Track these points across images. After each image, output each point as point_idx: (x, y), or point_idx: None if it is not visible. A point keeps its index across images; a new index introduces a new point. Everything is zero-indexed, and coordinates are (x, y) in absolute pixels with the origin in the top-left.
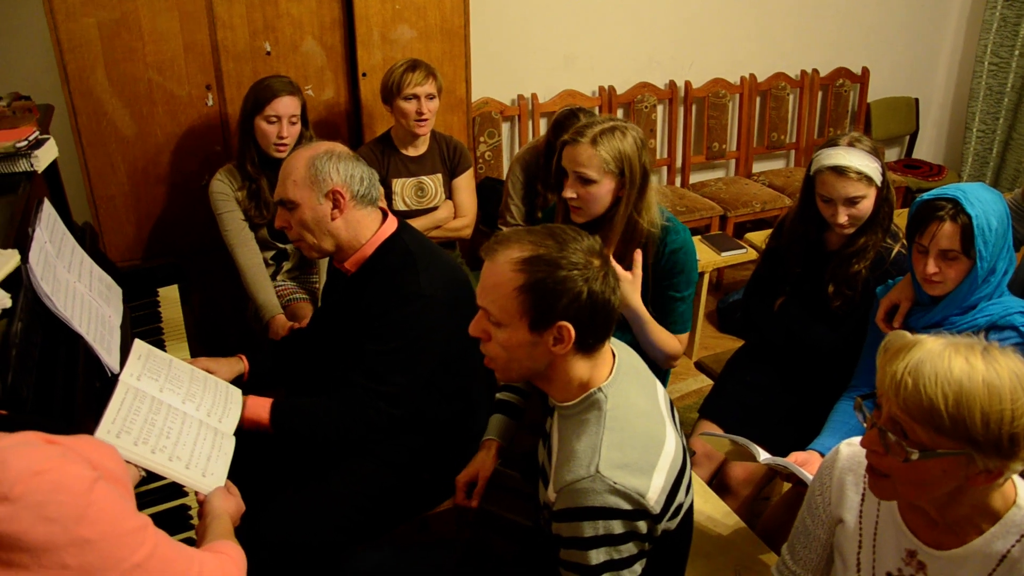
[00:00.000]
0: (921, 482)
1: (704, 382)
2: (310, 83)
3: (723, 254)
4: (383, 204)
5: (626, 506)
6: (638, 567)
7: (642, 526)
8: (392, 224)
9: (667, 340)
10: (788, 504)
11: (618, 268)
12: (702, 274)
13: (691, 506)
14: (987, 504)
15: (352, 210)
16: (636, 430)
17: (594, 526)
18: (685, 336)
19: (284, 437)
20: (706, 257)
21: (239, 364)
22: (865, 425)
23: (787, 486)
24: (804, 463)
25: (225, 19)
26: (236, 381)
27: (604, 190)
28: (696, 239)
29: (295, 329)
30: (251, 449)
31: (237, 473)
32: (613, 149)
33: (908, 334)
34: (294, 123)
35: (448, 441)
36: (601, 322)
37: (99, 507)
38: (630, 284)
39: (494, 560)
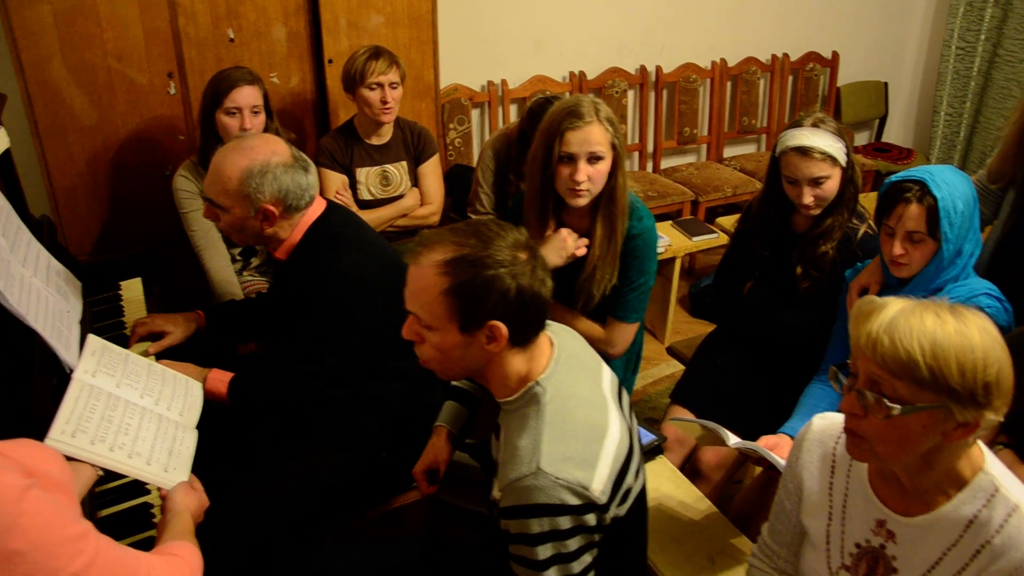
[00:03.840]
0: (901, 440)
1: (677, 367)
2: (275, 71)
3: (694, 239)
4: (344, 195)
5: (572, 500)
6: (588, 557)
7: (590, 519)
8: (319, 206)
9: (581, 326)
10: (759, 488)
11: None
12: (673, 259)
13: (643, 489)
14: (956, 470)
15: (282, 219)
16: (577, 421)
17: (540, 523)
18: (628, 326)
19: (239, 408)
20: (677, 242)
21: (195, 319)
22: (841, 392)
23: (759, 470)
24: (774, 447)
25: (186, 5)
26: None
27: (608, 164)
28: (667, 224)
29: (257, 294)
30: (210, 445)
31: (201, 466)
32: (611, 120)
33: (877, 298)
34: (256, 113)
35: (402, 420)
36: (533, 316)
37: (31, 517)
38: (553, 254)
39: (457, 551)
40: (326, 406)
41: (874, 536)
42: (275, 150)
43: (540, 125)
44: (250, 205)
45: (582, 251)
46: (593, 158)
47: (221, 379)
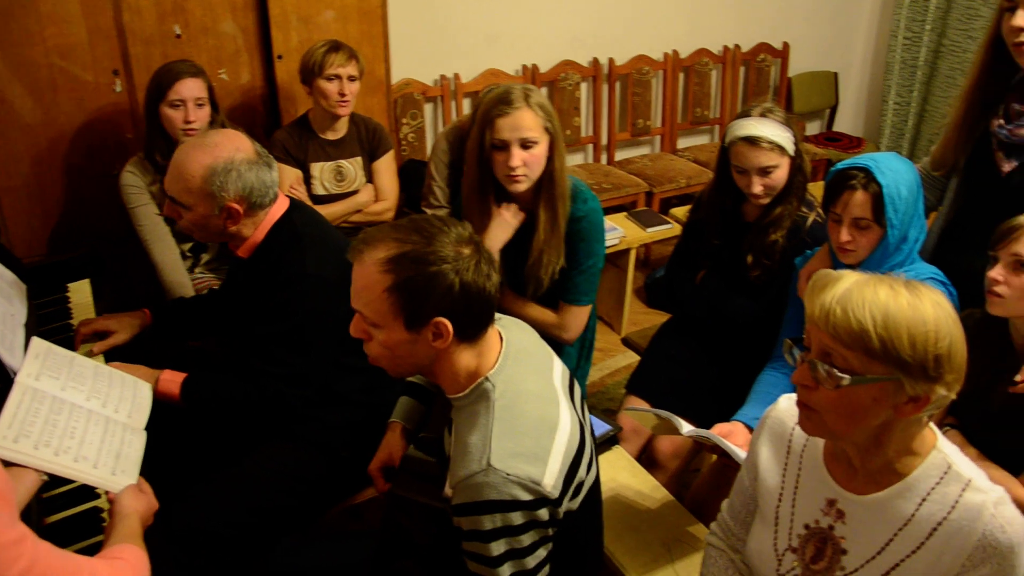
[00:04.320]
0: (852, 413)
1: (633, 358)
2: (224, 67)
3: (649, 230)
4: (297, 189)
5: (524, 496)
6: (542, 551)
7: (543, 513)
8: (282, 205)
9: (532, 312)
10: (715, 476)
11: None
12: (627, 251)
13: (596, 482)
14: (909, 450)
15: (246, 217)
16: (527, 415)
17: (492, 519)
18: (579, 309)
19: (193, 409)
20: (632, 233)
21: (141, 318)
22: (795, 366)
23: (714, 457)
24: (728, 434)
25: (130, 1)
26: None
27: (544, 149)
28: (622, 216)
29: (209, 290)
30: (168, 440)
31: (154, 466)
32: (542, 106)
33: (832, 271)
34: (201, 105)
35: (362, 417)
36: (478, 311)
37: None
38: (500, 230)
39: (412, 545)
40: (288, 406)
41: (823, 516)
42: (239, 146)
43: (475, 116)
44: (214, 203)
45: (521, 215)
46: (526, 143)
47: (174, 380)
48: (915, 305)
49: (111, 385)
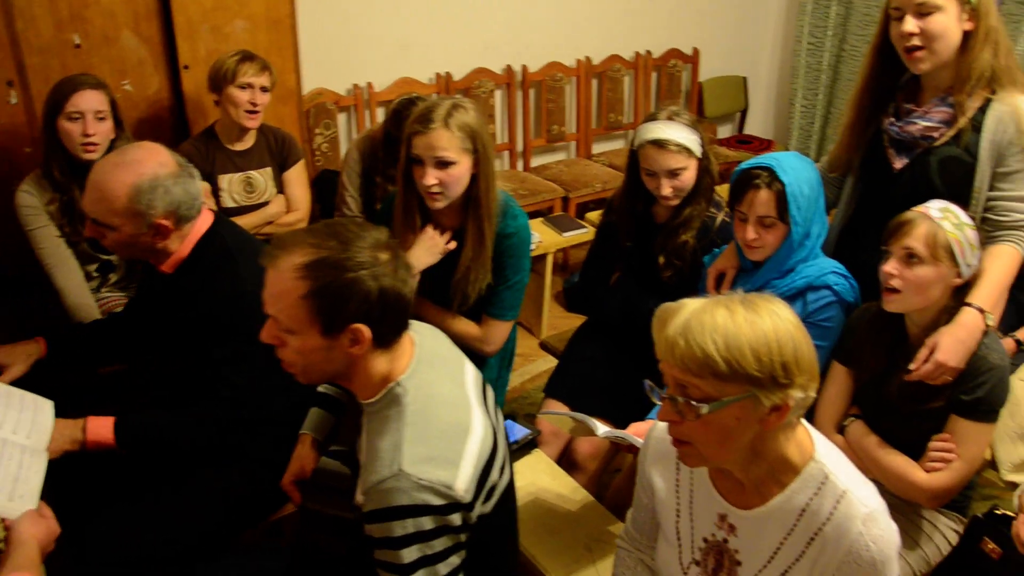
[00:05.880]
0: (720, 437)
1: (553, 362)
2: (128, 78)
3: (565, 234)
4: (208, 202)
5: (435, 501)
6: (455, 558)
7: (455, 519)
8: (207, 219)
9: (456, 326)
10: (632, 475)
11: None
12: (544, 256)
13: (510, 484)
14: (786, 458)
15: (175, 231)
16: (439, 420)
17: (403, 525)
18: (503, 323)
19: (133, 453)
20: (548, 239)
21: (35, 347)
22: (659, 403)
23: (632, 457)
24: (643, 433)
25: (23, 7)
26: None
27: (463, 169)
28: (538, 221)
29: (110, 314)
30: (77, 463)
31: (61, 488)
32: (465, 126)
33: (672, 304)
34: (101, 119)
35: (284, 434)
36: (396, 317)
37: None
38: (426, 253)
39: (324, 558)
40: (232, 428)
41: (718, 530)
42: (161, 161)
43: (387, 125)
44: (142, 221)
45: (452, 244)
46: (440, 163)
47: (103, 426)
48: (752, 321)
49: (8, 406)
